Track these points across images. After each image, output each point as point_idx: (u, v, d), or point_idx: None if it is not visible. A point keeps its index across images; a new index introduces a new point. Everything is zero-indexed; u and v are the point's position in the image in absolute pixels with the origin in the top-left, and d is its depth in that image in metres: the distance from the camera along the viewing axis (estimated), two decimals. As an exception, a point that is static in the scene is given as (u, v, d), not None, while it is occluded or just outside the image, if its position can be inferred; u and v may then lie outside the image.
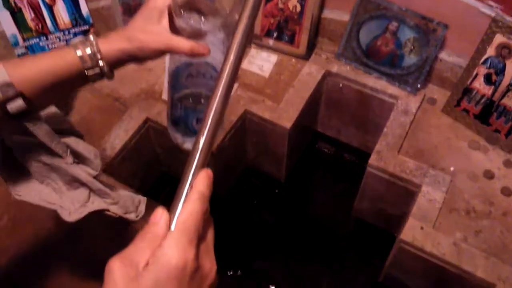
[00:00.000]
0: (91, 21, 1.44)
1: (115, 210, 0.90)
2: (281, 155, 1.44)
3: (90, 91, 1.42)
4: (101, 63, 0.65)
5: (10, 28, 1.37)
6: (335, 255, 1.52)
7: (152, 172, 1.53)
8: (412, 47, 1.29)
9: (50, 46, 1.43)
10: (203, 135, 0.48)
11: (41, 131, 0.71)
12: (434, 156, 1.24)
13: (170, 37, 0.66)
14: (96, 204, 0.86)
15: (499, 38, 1.14)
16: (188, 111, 0.74)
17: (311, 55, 1.44)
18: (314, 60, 1.44)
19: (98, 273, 0.42)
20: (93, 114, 1.39)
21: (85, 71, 0.66)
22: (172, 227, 0.43)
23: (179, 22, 0.67)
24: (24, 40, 1.40)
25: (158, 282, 0.40)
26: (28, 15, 1.37)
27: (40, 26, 1.40)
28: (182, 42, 0.66)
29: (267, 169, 1.58)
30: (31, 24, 1.39)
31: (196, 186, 0.46)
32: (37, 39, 1.41)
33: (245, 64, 1.44)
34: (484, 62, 1.18)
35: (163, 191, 1.61)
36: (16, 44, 1.40)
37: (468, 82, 1.23)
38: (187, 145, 0.77)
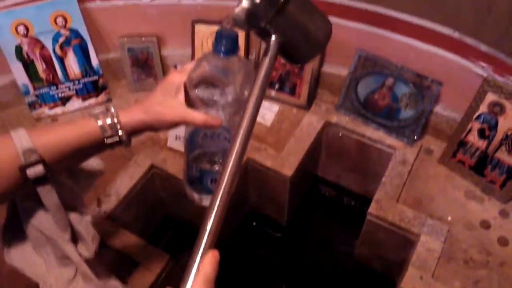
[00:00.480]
0: (100, 72, 1.50)
1: None
2: (283, 201, 1.48)
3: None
4: (120, 132, 0.70)
5: (22, 78, 1.43)
6: (336, 300, 1.54)
7: (155, 215, 1.56)
8: (408, 102, 1.35)
9: (59, 95, 1.49)
10: (211, 217, 0.52)
11: (50, 200, 0.73)
12: (431, 206, 1.29)
13: (186, 111, 0.71)
14: (79, 286, 0.87)
15: (490, 97, 1.20)
16: (203, 172, 0.78)
17: (311, 105, 1.50)
18: (315, 110, 1.50)
19: None
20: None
21: (105, 139, 0.70)
22: None
23: (194, 95, 0.72)
24: (34, 89, 1.45)
25: None
26: (40, 66, 1.43)
27: (51, 77, 1.46)
28: (196, 116, 0.71)
29: (269, 213, 1.61)
30: (42, 74, 1.44)
31: (202, 268, 0.50)
32: (48, 88, 1.47)
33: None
34: (477, 118, 1.24)
35: (166, 234, 1.63)
36: (27, 93, 1.45)
37: (463, 135, 1.29)
38: (204, 202, 0.82)
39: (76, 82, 1.49)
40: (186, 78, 0.73)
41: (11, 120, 1.50)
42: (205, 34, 1.50)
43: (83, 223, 0.84)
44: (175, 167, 1.37)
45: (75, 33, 1.43)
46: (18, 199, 0.78)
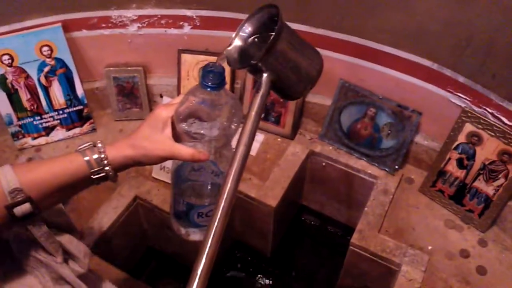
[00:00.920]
0: (85, 101, 1.51)
1: None
2: (267, 231, 1.49)
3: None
4: (107, 168, 0.70)
5: (6, 108, 1.43)
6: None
7: (138, 247, 1.55)
8: (389, 131, 1.38)
9: (43, 125, 1.49)
10: (202, 259, 0.53)
11: (39, 232, 0.74)
12: (412, 235, 1.30)
13: (173, 145, 0.72)
14: None
15: (468, 127, 1.23)
16: (190, 206, 0.79)
17: (296, 134, 1.52)
18: (299, 140, 1.52)
19: None
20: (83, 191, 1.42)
21: (91, 175, 0.70)
22: None
23: (181, 129, 0.73)
24: (18, 119, 1.45)
25: None
26: (24, 96, 1.43)
27: (35, 106, 1.46)
28: (184, 150, 0.71)
29: (254, 243, 1.61)
30: (26, 104, 1.44)
31: None
32: (31, 119, 1.47)
33: (233, 142, 1.51)
34: (456, 148, 1.27)
35: (148, 265, 1.62)
36: (10, 123, 1.45)
37: (442, 165, 1.31)
38: (191, 236, 0.83)
39: (61, 111, 1.49)
40: (173, 112, 0.73)
41: (-6, 149, 1.50)
42: (191, 63, 1.52)
43: (74, 242, 0.85)
44: (160, 197, 1.37)
45: (60, 63, 1.44)
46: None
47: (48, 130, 1.50)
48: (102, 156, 0.70)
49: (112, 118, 1.60)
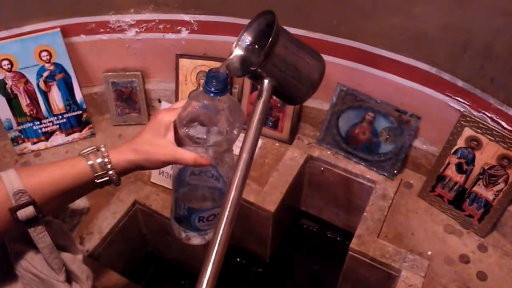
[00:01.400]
0: (84, 106, 1.51)
1: None
2: (265, 236, 1.48)
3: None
4: (111, 172, 0.70)
5: (5, 113, 1.43)
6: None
7: (138, 252, 1.55)
8: (387, 136, 1.37)
9: (43, 130, 1.49)
10: (208, 268, 0.53)
11: (43, 242, 0.73)
12: (412, 240, 1.30)
13: (175, 150, 0.72)
14: None
15: (468, 131, 1.23)
16: (191, 211, 0.79)
17: (294, 139, 1.52)
18: (297, 144, 1.51)
19: None
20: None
21: (95, 179, 0.70)
22: None
23: (184, 134, 0.73)
24: (18, 124, 1.45)
25: None
26: (24, 101, 1.43)
27: (34, 111, 1.46)
28: (186, 155, 0.71)
29: (252, 248, 1.61)
30: (26, 109, 1.45)
31: None
32: (31, 124, 1.47)
33: (235, 147, 1.51)
34: (455, 153, 1.27)
35: (148, 270, 1.62)
36: (10, 128, 1.45)
37: (441, 169, 1.31)
38: (192, 240, 0.82)
39: (60, 116, 1.49)
40: (175, 117, 0.73)
41: (-7, 155, 1.50)
42: (189, 68, 1.52)
43: (76, 262, 0.84)
44: (159, 202, 1.36)
45: (59, 68, 1.44)
46: (8, 242, 0.77)
47: (48, 135, 1.51)
48: (106, 160, 0.70)
49: (111, 123, 1.60)
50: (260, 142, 1.53)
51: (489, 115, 1.21)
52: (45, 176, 0.69)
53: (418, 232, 1.31)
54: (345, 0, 1.25)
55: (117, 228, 1.34)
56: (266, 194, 1.39)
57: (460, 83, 1.23)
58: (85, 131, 1.55)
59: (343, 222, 1.63)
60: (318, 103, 1.49)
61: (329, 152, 1.48)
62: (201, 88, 0.71)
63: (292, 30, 1.22)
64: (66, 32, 1.41)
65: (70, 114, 1.50)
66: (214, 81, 0.68)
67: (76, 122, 1.52)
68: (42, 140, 1.51)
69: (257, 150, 1.51)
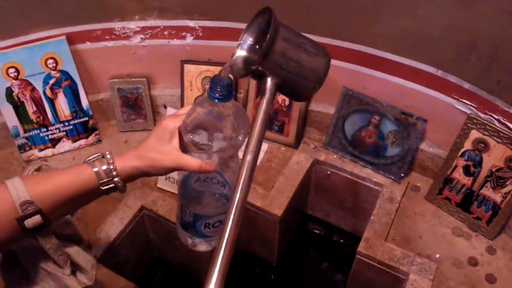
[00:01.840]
0: (90, 113, 1.51)
1: None
2: (273, 241, 1.48)
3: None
4: (116, 179, 0.71)
5: (12, 121, 1.44)
6: None
7: (145, 257, 1.55)
8: (394, 139, 1.37)
9: (49, 137, 1.50)
10: (214, 274, 0.53)
11: (49, 244, 0.74)
12: (419, 243, 1.29)
13: (181, 157, 0.72)
14: None
15: (475, 134, 1.22)
16: (197, 217, 0.78)
17: (299, 143, 1.52)
18: (303, 148, 1.51)
19: None
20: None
21: (100, 186, 0.71)
22: None
23: (189, 140, 0.73)
24: (24, 131, 1.46)
25: None
26: (30, 108, 1.44)
27: (41, 118, 1.47)
28: (191, 161, 0.71)
29: (259, 253, 1.61)
30: (33, 116, 1.45)
31: None
32: (38, 131, 1.47)
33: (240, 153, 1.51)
34: (462, 155, 1.26)
35: (155, 275, 1.62)
36: (17, 135, 1.46)
37: (448, 172, 1.30)
38: (198, 247, 0.82)
39: (66, 123, 1.50)
40: (180, 123, 0.73)
41: (1, 162, 1.50)
42: (194, 74, 1.52)
43: (81, 254, 0.86)
44: (165, 208, 1.37)
45: (65, 75, 1.45)
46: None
47: (54, 141, 1.51)
48: (111, 167, 0.70)
49: (117, 129, 1.61)
50: (266, 146, 1.53)
51: (496, 117, 1.21)
52: (51, 184, 0.69)
53: (426, 235, 1.31)
54: (349, 3, 1.25)
55: (124, 234, 1.34)
56: (273, 198, 1.39)
57: (466, 85, 1.23)
58: (92, 138, 1.55)
59: (350, 225, 1.63)
60: (324, 107, 1.49)
61: (335, 156, 1.48)
62: (206, 94, 0.71)
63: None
64: (71, 39, 1.42)
65: (76, 121, 1.51)
66: (218, 87, 0.68)
67: (82, 129, 1.53)
68: (49, 147, 1.51)
69: (263, 154, 1.51)
